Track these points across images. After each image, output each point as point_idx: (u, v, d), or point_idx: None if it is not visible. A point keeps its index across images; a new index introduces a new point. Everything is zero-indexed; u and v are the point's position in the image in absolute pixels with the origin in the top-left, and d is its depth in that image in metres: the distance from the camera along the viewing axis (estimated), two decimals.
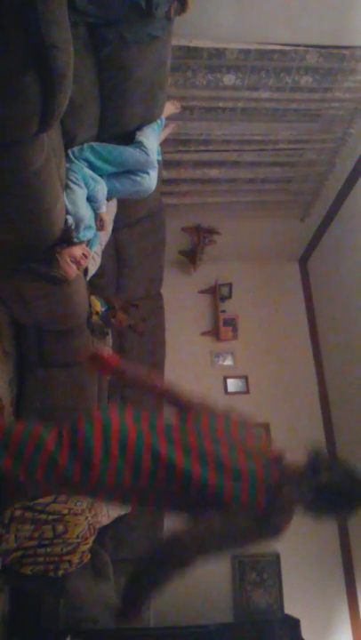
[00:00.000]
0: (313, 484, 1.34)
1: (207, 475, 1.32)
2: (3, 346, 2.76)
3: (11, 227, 1.78)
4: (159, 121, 2.54)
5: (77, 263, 2.15)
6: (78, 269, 2.19)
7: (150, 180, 2.58)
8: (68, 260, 2.11)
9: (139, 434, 1.37)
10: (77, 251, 2.15)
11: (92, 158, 2.24)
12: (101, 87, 2.10)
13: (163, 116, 2.58)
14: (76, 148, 2.21)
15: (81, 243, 2.20)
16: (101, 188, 2.31)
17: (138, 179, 2.50)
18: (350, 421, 3.80)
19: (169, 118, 2.74)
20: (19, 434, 1.34)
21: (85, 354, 1.83)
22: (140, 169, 2.46)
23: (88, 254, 2.23)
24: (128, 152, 2.33)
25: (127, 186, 2.49)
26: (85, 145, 2.24)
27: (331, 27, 2.58)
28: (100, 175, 2.36)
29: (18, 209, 1.68)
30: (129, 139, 2.43)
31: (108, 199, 2.50)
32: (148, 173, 2.53)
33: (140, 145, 2.36)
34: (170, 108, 2.70)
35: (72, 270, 2.14)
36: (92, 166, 2.27)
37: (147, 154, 2.38)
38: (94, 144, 2.27)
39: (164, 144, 3.02)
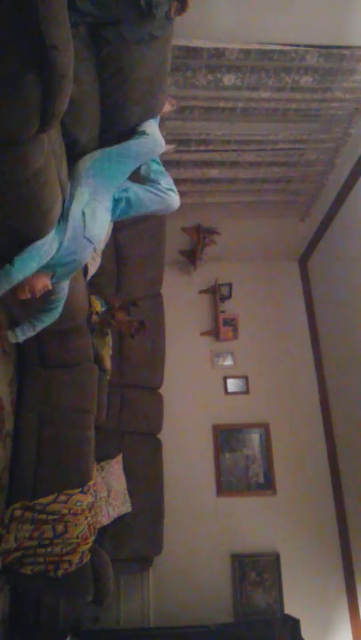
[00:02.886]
0: None
1: None
2: (3, 346, 2.76)
3: (8, 227, 1.78)
4: (155, 118, 2.51)
5: (32, 292, 2.00)
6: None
7: (176, 197, 2.46)
8: (26, 287, 1.96)
9: None
10: (39, 284, 1.99)
11: (106, 165, 2.10)
12: (101, 87, 2.10)
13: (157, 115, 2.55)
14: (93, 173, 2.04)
15: (46, 275, 2.02)
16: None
17: (167, 197, 2.38)
18: (350, 421, 3.80)
19: (164, 117, 2.71)
20: None
21: None
22: (154, 158, 2.33)
23: (48, 290, 2.07)
24: (134, 143, 2.21)
25: (155, 203, 2.36)
26: (89, 163, 2.08)
27: (331, 27, 2.58)
28: (122, 172, 2.18)
29: (16, 210, 1.68)
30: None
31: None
32: (173, 191, 2.42)
33: (142, 134, 2.26)
34: (165, 107, 2.67)
35: (24, 295, 2.00)
36: (108, 174, 2.11)
37: (153, 138, 2.26)
38: (96, 155, 2.12)
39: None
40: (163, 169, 2.41)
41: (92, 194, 2.06)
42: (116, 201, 2.26)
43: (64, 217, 1.94)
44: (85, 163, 2.08)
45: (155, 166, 2.39)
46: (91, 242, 2.09)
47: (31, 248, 1.82)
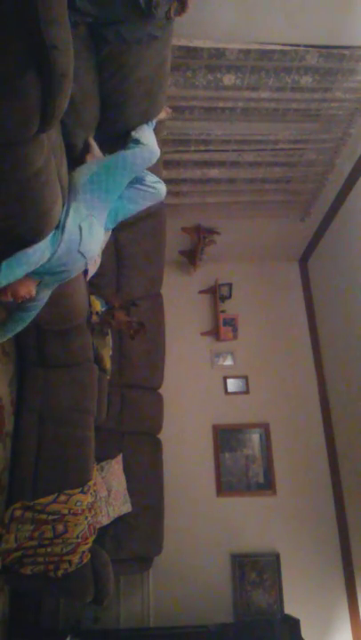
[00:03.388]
0: None
1: None
2: (3, 346, 2.76)
3: (8, 227, 1.78)
4: (150, 123, 2.50)
5: (15, 297, 1.98)
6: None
7: (162, 187, 2.48)
8: (9, 291, 1.93)
9: None
10: (23, 290, 1.96)
11: (103, 178, 2.08)
12: (101, 87, 2.10)
13: (153, 120, 2.54)
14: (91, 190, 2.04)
15: (33, 281, 2.00)
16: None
17: (155, 191, 2.41)
18: (350, 421, 3.80)
19: (159, 123, 2.70)
20: None
21: None
22: (149, 167, 2.35)
23: (31, 297, 2.04)
24: (130, 154, 2.21)
25: (146, 199, 2.40)
26: (87, 177, 2.07)
27: (331, 27, 2.58)
28: (119, 185, 2.19)
29: (16, 210, 1.68)
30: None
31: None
32: (160, 182, 2.44)
33: (137, 143, 2.28)
34: (161, 113, 2.66)
35: (5, 298, 1.97)
36: (105, 187, 2.10)
37: (149, 148, 2.28)
38: (93, 169, 2.10)
39: (164, 144, 3.02)
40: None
41: (89, 209, 2.06)
42: (113, 210, 2.26)
43: (60, 229, 1.93)
44: (82, 177, 2.07)
45: None
46: (84, 256, 2.08)
47: (21, 254, 1.80)
